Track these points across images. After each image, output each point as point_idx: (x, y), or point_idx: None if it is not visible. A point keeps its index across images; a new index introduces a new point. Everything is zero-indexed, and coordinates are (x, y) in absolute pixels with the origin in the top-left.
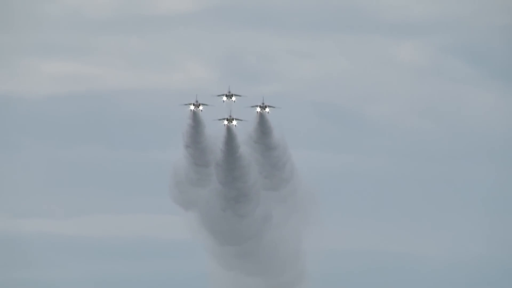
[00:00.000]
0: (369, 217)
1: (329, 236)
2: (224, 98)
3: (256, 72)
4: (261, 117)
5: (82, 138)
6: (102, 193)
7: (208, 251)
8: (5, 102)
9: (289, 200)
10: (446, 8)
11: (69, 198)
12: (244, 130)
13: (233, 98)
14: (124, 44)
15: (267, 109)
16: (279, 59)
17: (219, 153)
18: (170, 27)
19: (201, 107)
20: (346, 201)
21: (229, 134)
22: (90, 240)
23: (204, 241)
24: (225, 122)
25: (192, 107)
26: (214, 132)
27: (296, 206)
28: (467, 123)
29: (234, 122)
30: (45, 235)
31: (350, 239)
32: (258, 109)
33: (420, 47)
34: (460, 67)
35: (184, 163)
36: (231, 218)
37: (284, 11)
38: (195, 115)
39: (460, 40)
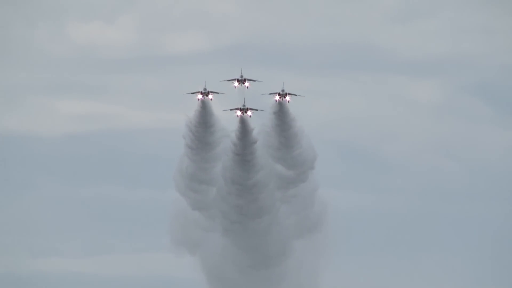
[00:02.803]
0: (386, 256)
1: (346, 276)
2: (236, 83)
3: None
4: (281, 107)
5: (99, 177)
6: (119, 231)
7: None
8: (22, 141)
9: (306, 236)
10: (463, 47)
11: (87, 237)
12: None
13: (246, 84)
14: (140, 83)
15: (287, 98)
16: (295, 98)
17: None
18: (186, 66)
19: (210, 96)
20: (362, 240)
21: (243, 127)
22: (109, 279)
23: None
24: (238, 112)
25: (200, 96)
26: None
27: (315, 245)
28: (485, 162)
29: (249, 113)
30: (62, 274)
31: (366, 279)
32: (277, 97)
33: (437, 86)
34: (477, 106)
35: (185, 205)
36: (246, 281)
37: (300, 50)
38: (203, 105)
39: (477, 79)
